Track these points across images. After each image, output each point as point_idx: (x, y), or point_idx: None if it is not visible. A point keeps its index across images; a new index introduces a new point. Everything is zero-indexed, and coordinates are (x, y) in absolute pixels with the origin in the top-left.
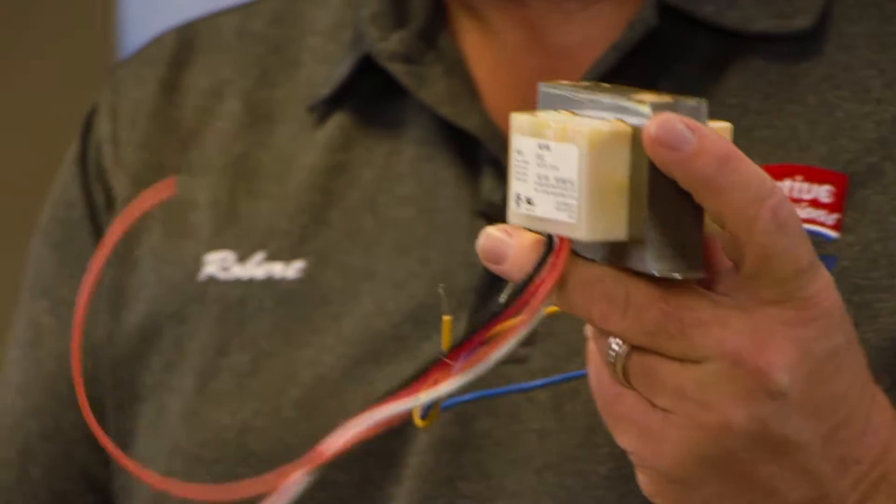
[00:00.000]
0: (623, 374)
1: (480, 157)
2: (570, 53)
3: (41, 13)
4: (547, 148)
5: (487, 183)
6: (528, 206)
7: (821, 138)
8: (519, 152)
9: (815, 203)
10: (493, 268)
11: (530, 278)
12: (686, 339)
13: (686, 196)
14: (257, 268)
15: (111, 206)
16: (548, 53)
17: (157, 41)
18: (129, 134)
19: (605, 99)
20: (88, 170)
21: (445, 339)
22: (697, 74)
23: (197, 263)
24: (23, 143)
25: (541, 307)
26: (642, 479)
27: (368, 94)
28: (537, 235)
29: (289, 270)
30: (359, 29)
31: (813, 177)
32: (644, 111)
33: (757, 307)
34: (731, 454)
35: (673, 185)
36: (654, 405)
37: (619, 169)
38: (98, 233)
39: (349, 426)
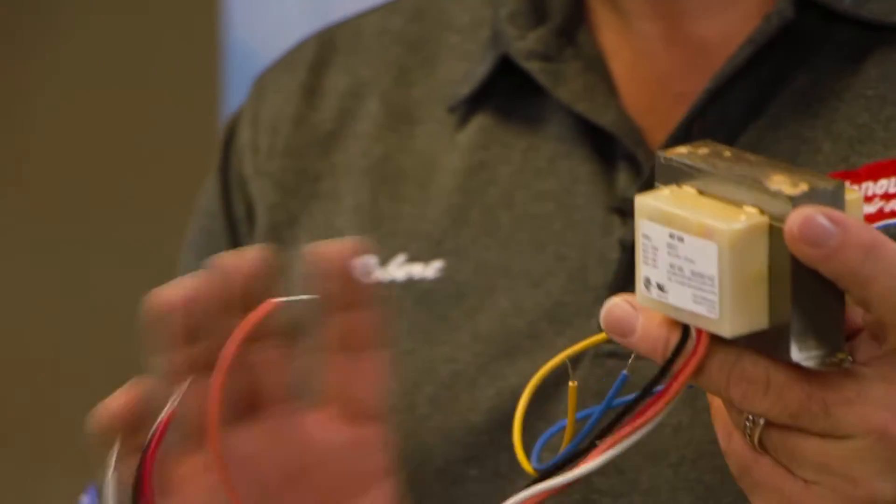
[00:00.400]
0: (758, 443)
1: (616, 153)
2: (707, 47)
3: (149, 14)
4: (681, 239)
5: (622, 179)
6: (659, 292)
7: None
8: (647, 237)
9: None
10: (618, 339)
11: (669, 363)
12: (830, 417)
13: (829, 283)
14: (398, 270)
15: (251, 216)
16: (684, 47)
17: (299, 46)
18: (272, 140)
19: (735, 177)
20: (230, 179)
21: (571, 408)
22: (834, 67)
23: None
24: (133, 142)
25: (680, 392)
26: None
27: (507, 93)
28: (664, 315)
29: (428, 270)
30: (497, 28)
31: None
32: (782, 203)
33: None
34: None
35: (815, 274)
36: (792, 473)
37: (759, 260)
38: (236, 245)
39: None
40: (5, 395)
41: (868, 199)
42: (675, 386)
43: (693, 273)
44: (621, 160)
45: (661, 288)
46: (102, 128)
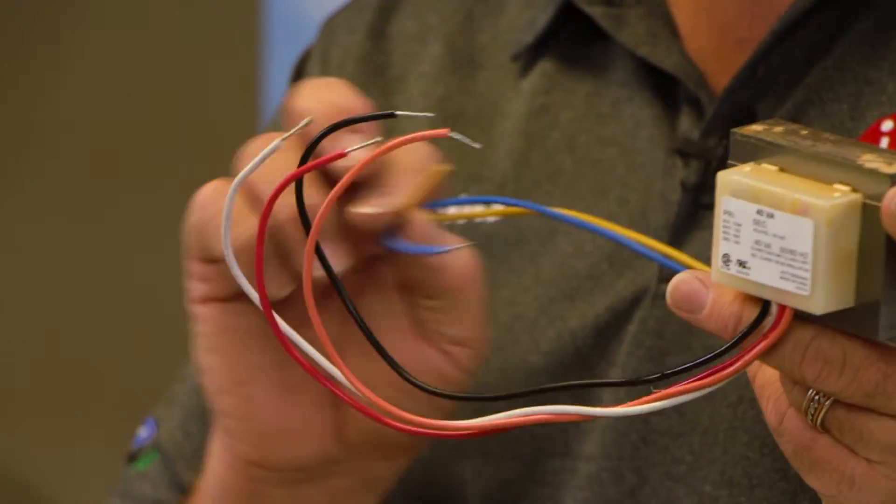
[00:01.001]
0: (821, 422)
1: (679, 97)
2: None
3: None
4: (770, 216)
5: (685, 122)
6: (740, 268)
7: None
8: (729, 213)
9: None
10: (686, 315)
11: (742, 336)
12: None
13: None
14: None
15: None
16: None
17: (358, 4)
18: (339, 76)
19: (821, 155)
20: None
21: None
22: None
23: None
24: (176, 105)
25: (748, 365)
26: None
27: (571, 39)
28: (736, 291)
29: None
30: None
31: None
32: (878, 181)
33: None
34: None
35: None
36: (854, 453)
37: (851, 238)
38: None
39: (542, 410)
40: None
41: None
42: (747, 358)
43: (783, 249)
44: (684, 104)
45: (742, 264)
46: (145, 94)
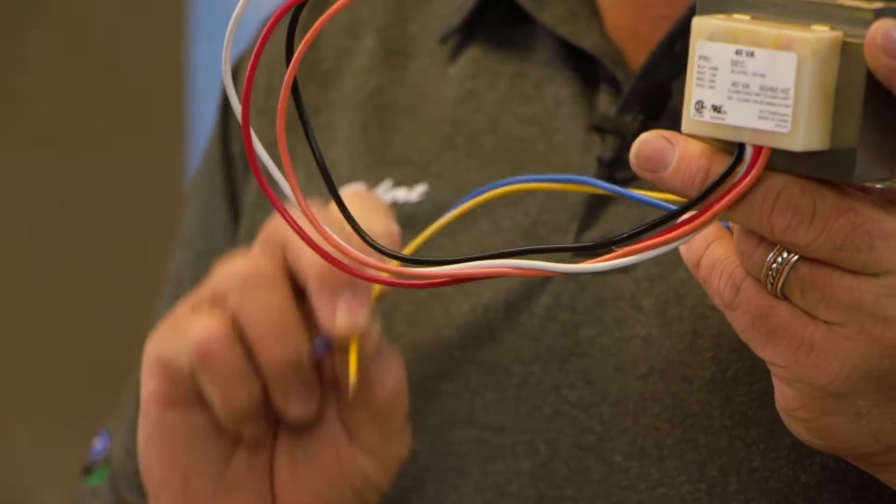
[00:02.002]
0: (781, 286)
1: (598, 75)
2: None
3: None
4: (750, 54)
5: (604, 100)
6: (714, 113)
7: None
8: (705, 58)
9: None
10: (650, 175)
11: (716, 184)
12: (872, 251)
13: (890, 106)
14: (384, 195)
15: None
16: None
17: None
18: (270, 79)
19: (793, 3)
20: (229, 117)
21: None
22: None
23: None
24: (99, 92)
25: (723, 212)
26: (786, 393)
27: (497, 22)
28: (704, 144)
29: (412, 194)
30: None
31: None
32: (862, 17)
33: None
34: None
35: (884, 96)
36: (813, 318)
37: (831, 76)
38: (230, 184)
39: (513, 263)
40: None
41: None
42: (723, 203)
43: (762, 88)
44: (603, 82)
45: (716, 109)
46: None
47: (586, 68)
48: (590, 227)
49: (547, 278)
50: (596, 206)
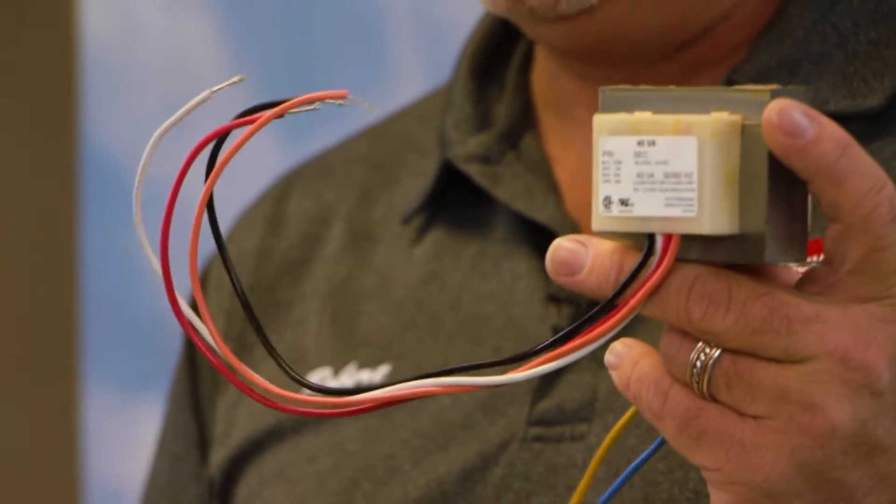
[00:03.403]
0: (706, 385)
1: None
2: None
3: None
4: (652, 143)
5: None
6: (622, 207)
7: None
8: (608, 153)
9: None
10: (566, 280)
11: (630, 278)
12: (792, 335)
13: (797, 187)
14: (349, 378)
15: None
16: None
17: (270, 185)
18: (242, 273)
19: (693, 93)
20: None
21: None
22: None
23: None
24: None
25: (640, 306)
26: (722, 500)
27: (458, 203)
28: (615, 242)
29: (376, 375)
30: (442, 135)
31: None
32: (759, 99)
33: (854, 304)
34: (830, 459)
35: (787, 175)
36: (742, 415)
37: (733, 161)
38: (195, 385)
39: (436, 381)
40: None
41: None
42: (639, 296)
43: (666, 175)
44: None
45: (624, 203)
46: None
47: (544, 242)
48: (545, 397)
49: (501, 449)
50: (551, 375)
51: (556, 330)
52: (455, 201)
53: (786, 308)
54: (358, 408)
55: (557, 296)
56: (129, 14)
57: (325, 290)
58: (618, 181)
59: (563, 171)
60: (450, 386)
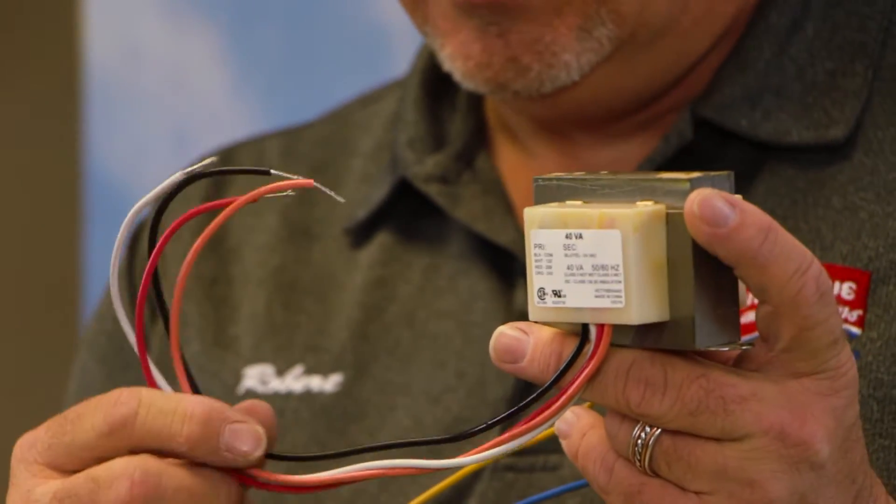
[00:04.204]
0: (648, 462)
1: (514, 270)
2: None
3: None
4: (579, 237)
5: (521, 295)
6: (556, 298)
7: (844, 238)
8: (539, 246)
9: (837, 300)
10: (509, 367)
11: (566, 367)
12: (728, 415)
13: (725, 271)
14: (296, 381)
15: (154, 318)
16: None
17: (200, 163)
18: (174, 247)
19: (620, 182)
20: (134, 283)
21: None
22: None
23: (237, 377)
24: None
25: (578, 393)
26: None
27: (408, 212)
28: (555, 330)
29: (327, 384)
30: (396, 153)
31: (836, 274)
32: (680, 188)
33: (790, 380)
34: None
35: (713, 261)
36: (684, 490)
37: (659, 248)
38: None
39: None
40: None
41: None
42: (577, 384)
43: (594, 267)
44: (519, 276)
45: (557, 294)
46: None
47: (502, 263)
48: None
49: (475, 477)
50: (517, 402)
51: None
52: (403, 210)
53: (721, 388)
54: (302, 487)
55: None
56: (133, 36)
57: (258, 278)
58: (550, 273)
59: (516, 189)
60: (395, 469)
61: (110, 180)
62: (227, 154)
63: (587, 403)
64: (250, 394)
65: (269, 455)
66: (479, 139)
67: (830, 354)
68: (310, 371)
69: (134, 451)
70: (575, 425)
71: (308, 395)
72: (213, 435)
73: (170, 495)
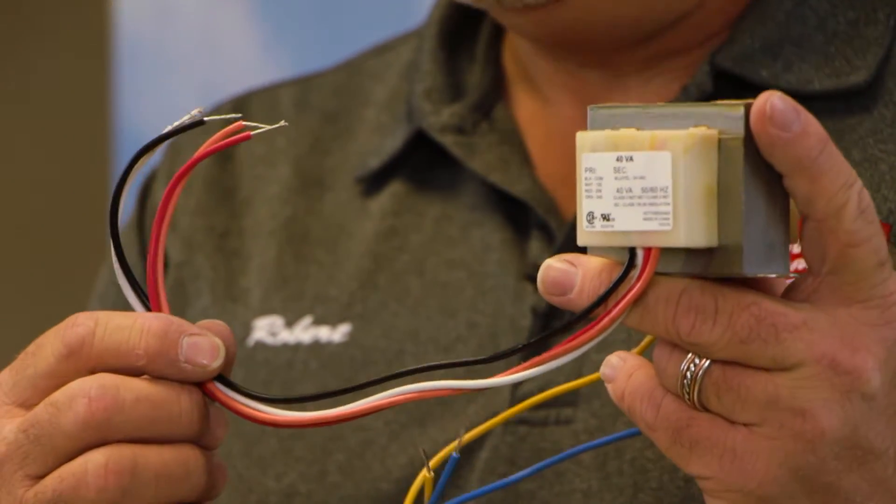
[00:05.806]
0: (697, 395)
1: (530, 222)
2: None
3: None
4: (630, 159)
5: (535, 247)
6: (604, 222)
7: None
8: (590, 170)
9: None
10: (558, 300)
11: (609, 291)
12: (780, 343)
13: (775, 197)
14: (304, 332)
15: (166, 269)
16: None
17: (216, 109)
18: (185, 200)
19: (673, 109)
20: (146, 235)
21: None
22: None
23: (246, 329)
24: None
25: (621, 317)
26: None
27: (422, 163)
28: (603, 260)
29: (335, 334)
30: (412, 103)
31: None
32: (735, 114)
33: (840, 308)
34: (822, 463)
35: (764, 186)
36: (732, 423)
37: (709, 174)
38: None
39: (407, 389)
40: None
41: None
42: (621, 307)
43: (644, 189)
44: (534, 229)
45: (606, 218)
46: None
47: (516, 214)
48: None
49: (489, 433)
50: (532, 354)
51: (534, 311)
52: (417, 161)
53: (773, 317)
54: (335, 419)
55: (534, 275)
56: None
57: (269, 229)
58: (599, 196)
59: (534, 141)
60: (431, 390)
61: (141, 141)
62: (241, 101)
63: (635, 349)
64: (259, 346)
65: (294, 399)
66: (496, 91)
67: (878, 279)
68: (318, 321)
69: (94, 373)
70: (621, 368)
71: (316, 346)
72: (172, 347)
73: (129, 406)
